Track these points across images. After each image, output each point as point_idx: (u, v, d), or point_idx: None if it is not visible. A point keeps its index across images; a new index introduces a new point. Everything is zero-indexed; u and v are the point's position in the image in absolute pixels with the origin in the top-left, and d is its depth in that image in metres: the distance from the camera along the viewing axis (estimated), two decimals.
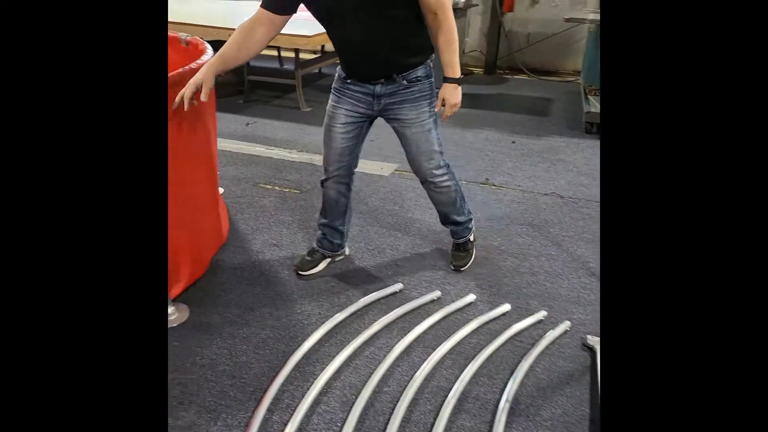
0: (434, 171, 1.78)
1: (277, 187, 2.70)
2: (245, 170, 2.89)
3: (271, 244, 2.19)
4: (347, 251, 2.09)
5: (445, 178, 1.82)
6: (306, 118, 3.85)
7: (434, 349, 1.59)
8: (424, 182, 1.83)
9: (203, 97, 1.49)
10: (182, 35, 2.22)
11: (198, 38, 2.17)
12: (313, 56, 4.76)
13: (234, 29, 1.57)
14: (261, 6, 1.52)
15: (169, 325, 1.68)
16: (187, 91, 1.48)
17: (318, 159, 3.06)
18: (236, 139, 3.35)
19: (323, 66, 4.63)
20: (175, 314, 1.72)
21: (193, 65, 1.62)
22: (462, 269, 2.00)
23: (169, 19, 3.83)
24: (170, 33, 2.29)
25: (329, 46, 5.88)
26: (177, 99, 1.47)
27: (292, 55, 4.03)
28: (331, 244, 1.98)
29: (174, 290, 1.75)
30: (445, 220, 1.97)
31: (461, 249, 2.03)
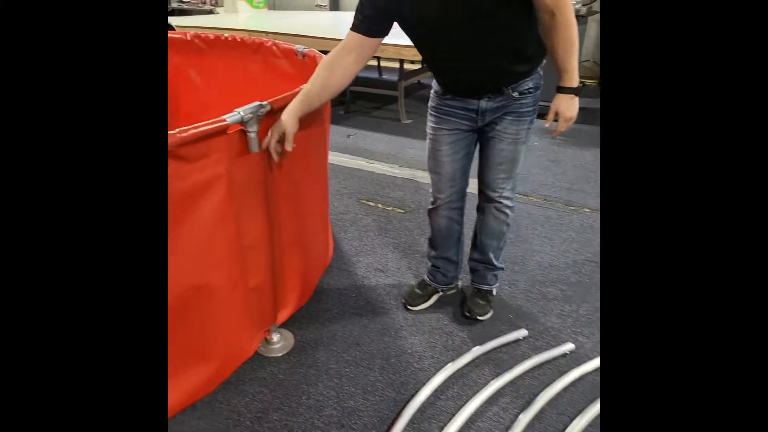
0: (505, 193, 1.56)
1: (380, 205, 2.58)
2: (347, 185, 2.80)
3: (375, 268, 2.05)
4: (460, 284, 1.89)
5: (511, 204, 1.60)
6: (407, 130, 3.72)
7: (572, 418, 1.34)
8: (488, 202, 1.60)
9: (288, 147, 1.33)
10: (299, 48, 2.16)
11: (314, 51, 2.10)
12: (413, 67, 4.64)
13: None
14: (351, 29, 1.34)
15: (273, 354, 1.58)
16: (271, 140, 1.32)
17: (421, 175, 2.90)
18: (338, 151, 3.29)
19: (423, 78, 4.49)
20: (280, 342, 1.63)
21: (291, 93, 1.49)
22: (481, 319, 1.73)
23: (283, 32, 3.89)
24: (287, 45, 2.25)
25: None
26: (264, 144, 1.33)
27: (391, 65, 3.93)
28: (445, 277, 1.80)
29: (281, 315, 1.66)
30: (482, 257, 1.72)
31: (483, 297, 1.76)
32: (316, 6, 6.37)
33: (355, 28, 1.33)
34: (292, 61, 2.28)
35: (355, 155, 3.25)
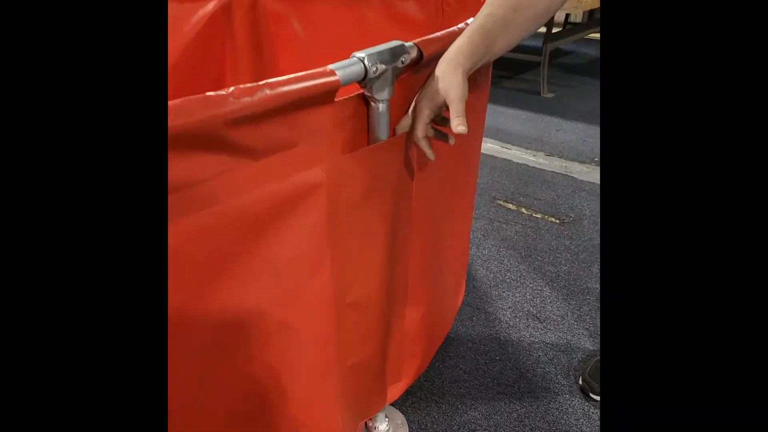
0: None
1: (524, 209, 1.88)
2: (479, 177, 2.13)
3: (527, 313, 1.38)
4: None
5: None
6: (550, 107, 2.91)
7: None
8: None
9: (459, 128, 0.66)
10: None
11: None
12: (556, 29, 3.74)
13: None
14: None
15: None
16: (418, 122, 0.71)
17: (578, 170, 2.14)
18: None
19: (572, 41, 3.58)
20: (388, 430, 1.05)
21: (455, 28, 0.81)
22: None
23: None
24: None
25: (575, 17, 4.76)
26: (398, 128, 0.73)
27: None
28: None
29: (393, 391, 1.06)
30: None
31: None
32: None
33: None
34: (424, 3, 1.63)
35: (486, 137, 2.54)
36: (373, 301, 0.81)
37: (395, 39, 1.22)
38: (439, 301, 1.15)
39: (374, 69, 0.61)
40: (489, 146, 2.43)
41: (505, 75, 3.52)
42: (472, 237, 1.71)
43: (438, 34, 0.71)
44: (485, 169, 2.19)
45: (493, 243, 1.68)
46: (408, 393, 1.13)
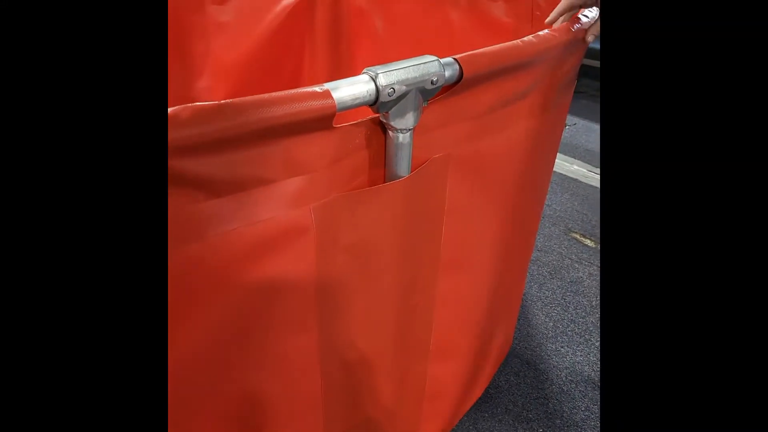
0: None
1: None
2: (554, 203, 1.89)
3: (587, 379, 1.16)
4: None
5: None
6: None
7: None
8: None
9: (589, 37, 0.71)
10: None
11: None
12: None
13: None
14: None
15: None
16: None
17: None
18: None
19: None
20: None
21: (513, 43, 0.65)
22: None
23: None
24: None
25: None
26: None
27: None
28: None
29: None
30: None
31: None
32: None
33: None
34: (515, 3, 1.45)
35: (573, 156, 2.28)
36: (375, 358, 0.67)
37: (475, 43, 1.04)
38: (477, 354, 0.98)
39: (389, 91, 0.47)
40: (575, 168, 2.17)
41: None
42: (536, 274, 1.50)
43: (489, 49, 0.55)
44: (565, 194, 1.94)
45: (559, 284, 1.47)
46: None
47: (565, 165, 2.21)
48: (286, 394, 0.58)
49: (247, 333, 0.50)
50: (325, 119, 0.45)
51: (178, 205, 0.42)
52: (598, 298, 1.41)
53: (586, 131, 2.54)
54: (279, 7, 2.17)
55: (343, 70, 2.22)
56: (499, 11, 1.52)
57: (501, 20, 1.51)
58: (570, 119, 2.70)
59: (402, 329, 0.69)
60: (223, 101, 0.39)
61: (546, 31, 0.64)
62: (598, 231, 1.72)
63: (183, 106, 0.38)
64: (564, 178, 2.08)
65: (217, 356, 0.49)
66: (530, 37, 0.61)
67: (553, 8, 1.27)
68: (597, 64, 3.06)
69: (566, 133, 2.54)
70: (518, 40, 0.60)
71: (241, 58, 2.17)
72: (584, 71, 3.40)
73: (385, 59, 1.90)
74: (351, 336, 0.61)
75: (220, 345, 0.49)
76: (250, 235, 0.47)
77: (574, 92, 3.09)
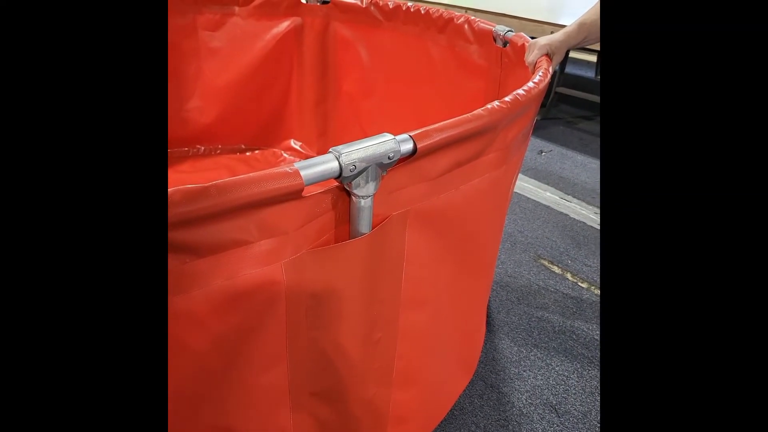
0: None
1: (569, 275, 1.73)
2: (525, 229, 1.99)
3: (545, 402, 1.25)
4: None
5: None
6: None
7: None
8: None
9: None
10: (499, 29, 1.42)
11: (522, 36, 1.35)
12: None
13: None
14: None
15: None
16: (530, 55, 1.16)
17: None
18: (521, 172, 2.46)
19: None
20: None
21: (532, 84, 0.76)
22: None
23: (485, 8, 3.15)
24: (484, 25, 1.53)
25: None
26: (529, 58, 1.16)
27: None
28: None
29: None
30: None
31: None
32: None
33: None
34: (487, 49, 1.55)
35: (545, 182, 2.39)
36: (341, 387, 0.75)
37: (452, 80, 1.18)
38: (439, 380, 1.06)
39: (351, 167, 0.56)
40: (547, 195, 2.28)
41: (584, 116, 3.31)
42: (505, 299, 1.59)
43: (441, 124, 0.64)
44: (537, 221, 2.05)
45: (525, 310, 1.56)
46: None
47: (538, 192, 2.31)
48: (259, 426, 0.66)
49: (224, 371, 0.58)
50: (295, 193, 0.53)
51: (168, 267, 0.50)
52: (562, 324, 1.51)
53: (561, 158, 2.66)
54: (269, 36, 2.26)
55: (330, 96, 2.32)
56: (475, 54, 1.63)
57: (476, 62, 1.62)
58: (545, 146, 2.82)
59: (366, 360, 0.77)
60: (208, 183, 0.48)
61: (495, 103, 0.74)
62: (565, 258, 1.82)
63: (175, 188, 0.46)
64: (537, 204, 2.19)
65: (196, 392, 0.57)
66: (480, 110, 0.70)
67: (519, 57, 1.38)
68: (573, 92, 3.20)
69: (541, 159, 2.66)
70: (469, 114, 0.69)
71: (231, 82, 2.25)
72: (561, 98, 3.53)
73: (369, 86, 2.04)
74: (319, 369, 0.69)
75: (199, 382, 0.57)
76: (229, 288, 0.55)
77: (551, 118, 3.25)
